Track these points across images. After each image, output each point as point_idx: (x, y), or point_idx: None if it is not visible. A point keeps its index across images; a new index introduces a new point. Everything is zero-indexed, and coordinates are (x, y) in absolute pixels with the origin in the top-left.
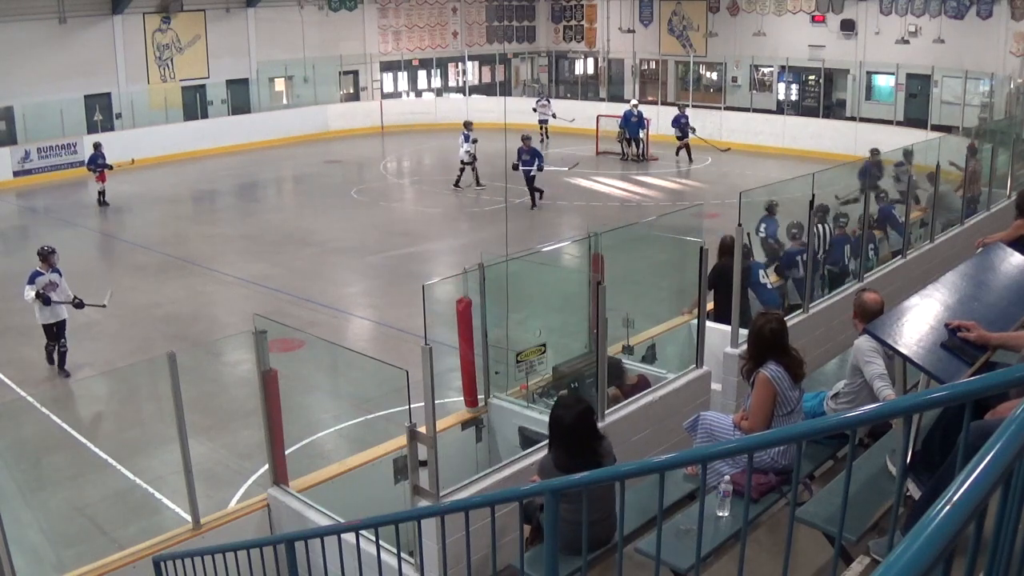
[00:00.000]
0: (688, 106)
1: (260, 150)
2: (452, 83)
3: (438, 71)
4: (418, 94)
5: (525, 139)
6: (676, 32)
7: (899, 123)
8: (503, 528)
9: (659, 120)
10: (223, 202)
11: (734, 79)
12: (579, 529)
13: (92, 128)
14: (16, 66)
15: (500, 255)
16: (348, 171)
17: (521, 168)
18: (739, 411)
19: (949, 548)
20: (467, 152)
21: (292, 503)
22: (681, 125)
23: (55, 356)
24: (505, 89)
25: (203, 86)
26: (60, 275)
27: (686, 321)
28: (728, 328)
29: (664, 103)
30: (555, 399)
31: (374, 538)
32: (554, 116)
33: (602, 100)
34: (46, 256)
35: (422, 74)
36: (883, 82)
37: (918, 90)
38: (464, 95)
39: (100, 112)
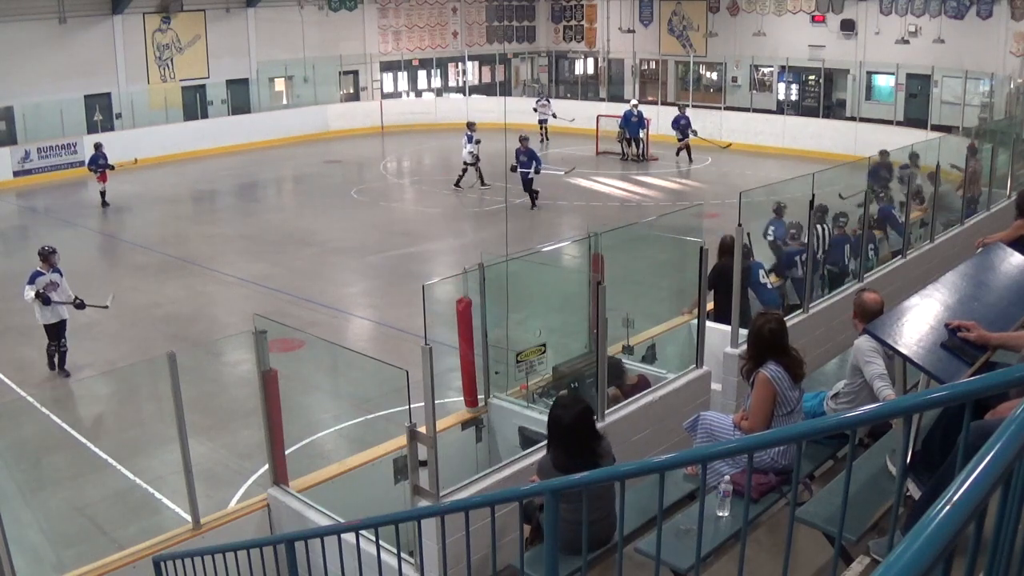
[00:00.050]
0: (688, 106)
1: (260, 150)
2: (452, 83)
3: (438, 71)
4: (418, 94)
5: (522, 140)
6: (676, 32)
7: (899, 123)
8: (503, 528)
9: (659, 120)
10: (223, 202)
11: (734, 79)
12: (579, 529)
13: (92, 128)
14: (16, 66)
15: (500, 255)
16: (348, 171)
17: (519, 170)
18: (739, 411)
19: (949, 548)
20: (470, 153)
21: (292, 503)
22: (681, 127)
23: (55, 359)
24: (505, 89)
25: (203, 86)
26: (61, 275)
27: (686, 321)
28: (728, 328)
29: (664, 103)
30: (554, 399)
31: (374, 538)
32: (554, 116)
33: (602, 100)
34: (47, 256)
35: (422, 74)
36: (883, 82)
37: (918, 90)
38: (464, 95)
39: (100, 112)
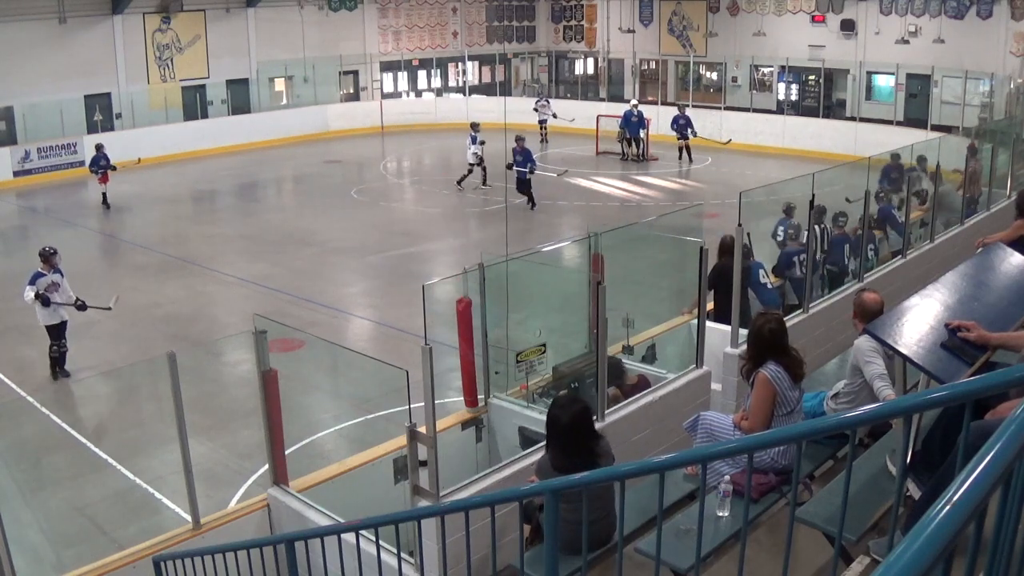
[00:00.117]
0: (688, 106)
1: (260, 150)
2: (452, 83)
3: (438, 71)
4: (418, 94)
5: (519, 140)
6: (676, 32)
7: (899, 123)
8: (503, 528)
9: (659, 120)
10: (223, 202)
11: (734, 79)
12: (579, 529)
13: (92, 128)
14: (16, 66)
15: (500, 255)
16: (348, 171)
17: (515, 169)
18: (739, 411)
19: (949, 548)
20: (474, 154)
21: (292, 503)
22: (680, 126)
23: (56, 367)
24: (505, 89)
25: (203, 86)
26: (62, 276)
27: (686, 321)
28: (728, 328)
29: (664, 103)
30: (553, 399)
31: (374, 538)
32: (554, 116)
33: (602, 100)
34: (48, 257)
35: (422, 74)
36: (883, 82)
37: (918, 90)
38: (464, 95)
39: (100, 112)
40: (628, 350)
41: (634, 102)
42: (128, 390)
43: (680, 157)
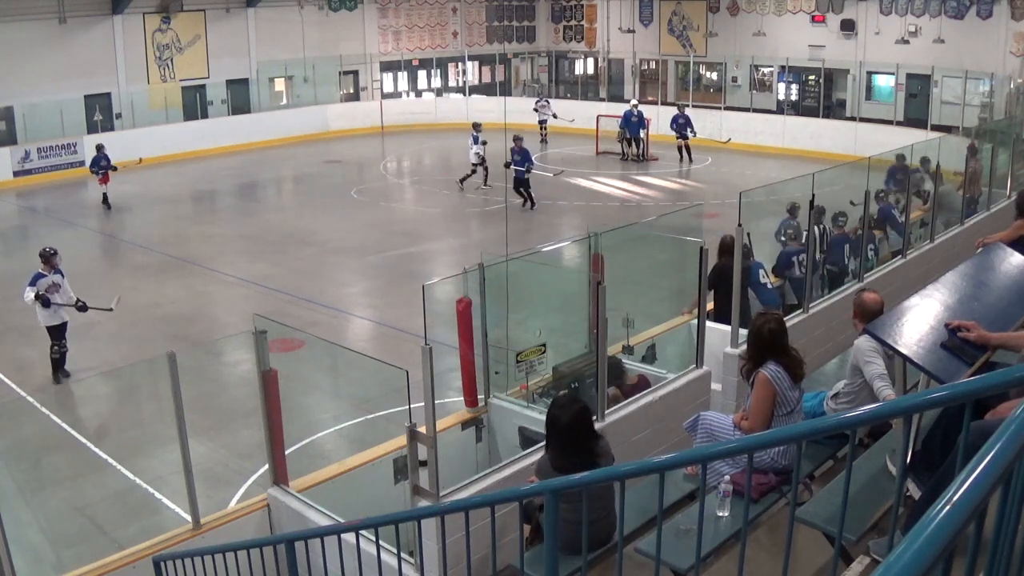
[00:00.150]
0: (687, 106)
1: (260, 150)
2: (452, 83)
3: (438, 71)
4: (418, 94)
5: (516, 139)
6: (676, 32)
7: (899, 123)
8: (503, 528)
9: (659, 120)
10: (223, 202)
11: (734, 79)
12: (578, 529)
13: (92, 128)
14: (16, 66)
15: (500, 255)
16: (348, 171)
17: (513, 168)
18: (739, 411)
19: (949, 548)
20: (476, 154)
21: (292, 503)
22: (679, 126)
23: (58, 371)
24: (505, 89)
25: (203, 86)
26: (63, 277)
27: (686, 321)
28: (728, 328)
29: (664, 103)
30: (552, 399)
31: (374, 538)
32: (554, 116)
33: (602, 100)
34: (48, 258)
35: (422, 74)
36: (883, 82)
37: (918, 90)
38: (464, 95)
39: (100, 112)
40: (628, 350)
41: (634, 102)
42: (128, 390)
43: (680, 157)
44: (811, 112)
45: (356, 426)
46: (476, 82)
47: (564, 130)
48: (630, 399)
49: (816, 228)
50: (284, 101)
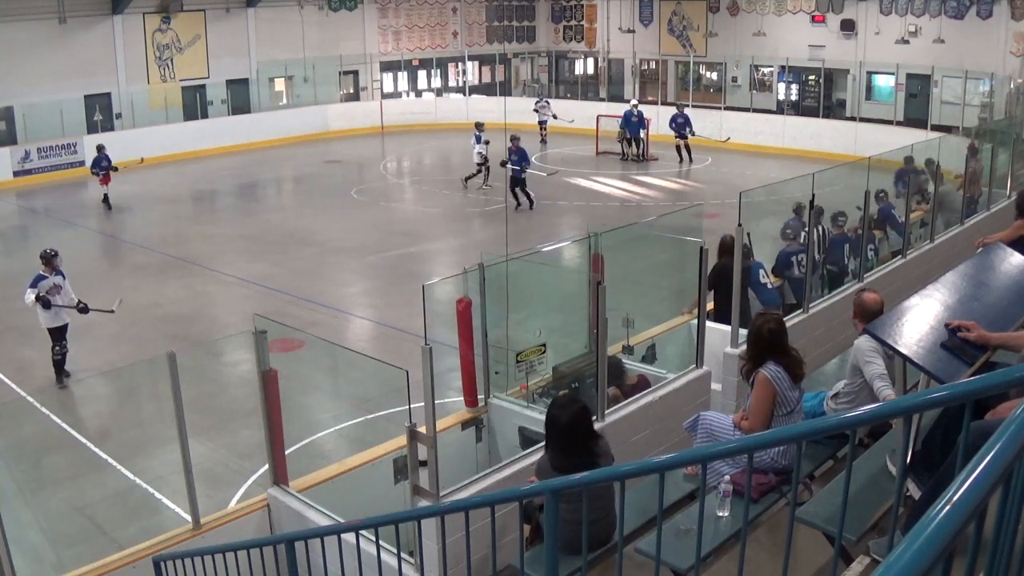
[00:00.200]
0: (687, 106)
1: (260, 150)
2: (452, 83)
3: (438, 71)
4: (418, 94)
5: (513, 139)
6: (676, 32)
7: (899, 123)
8: (503, 528)
9: (659, 120)
10: (223, 202)
11: (734, 79)
12: (578, 529)
13: (92, 128)
14: (16, 66)
15: (500, 255)
16: (348, 171)
17: (509, 167)
18: (739, 411)
19: (949, 548)
20: (479, 153)
21: (292, 503)
22: (679, 125)
23: (60, 374)
24: (505, 89)
25: (203, 86)
26: (64, 278)
27: (686, 321)
28: (728, 328)
29: (664, 103)
30: (552, 399)
31: (374, 538)
32: (554, 117)
33: (602, 100)
34: (49, 259)
35: (422, 74)
36: (883, 82)
37: (918, 90)
38: (464, 95)
39: (100, 112)
40: (628, 350)
41: (634, 102)
42: (128, 390)
43: (679, 157)
44: (811, 112)
45: (356, 426)
46: (476, 82)
47: (564, 130)
48: (630, 399)
49: (816, 229)
50: (284, 101)
